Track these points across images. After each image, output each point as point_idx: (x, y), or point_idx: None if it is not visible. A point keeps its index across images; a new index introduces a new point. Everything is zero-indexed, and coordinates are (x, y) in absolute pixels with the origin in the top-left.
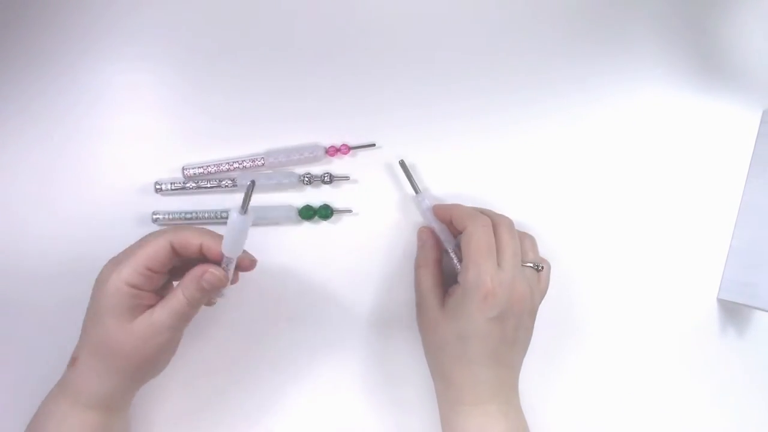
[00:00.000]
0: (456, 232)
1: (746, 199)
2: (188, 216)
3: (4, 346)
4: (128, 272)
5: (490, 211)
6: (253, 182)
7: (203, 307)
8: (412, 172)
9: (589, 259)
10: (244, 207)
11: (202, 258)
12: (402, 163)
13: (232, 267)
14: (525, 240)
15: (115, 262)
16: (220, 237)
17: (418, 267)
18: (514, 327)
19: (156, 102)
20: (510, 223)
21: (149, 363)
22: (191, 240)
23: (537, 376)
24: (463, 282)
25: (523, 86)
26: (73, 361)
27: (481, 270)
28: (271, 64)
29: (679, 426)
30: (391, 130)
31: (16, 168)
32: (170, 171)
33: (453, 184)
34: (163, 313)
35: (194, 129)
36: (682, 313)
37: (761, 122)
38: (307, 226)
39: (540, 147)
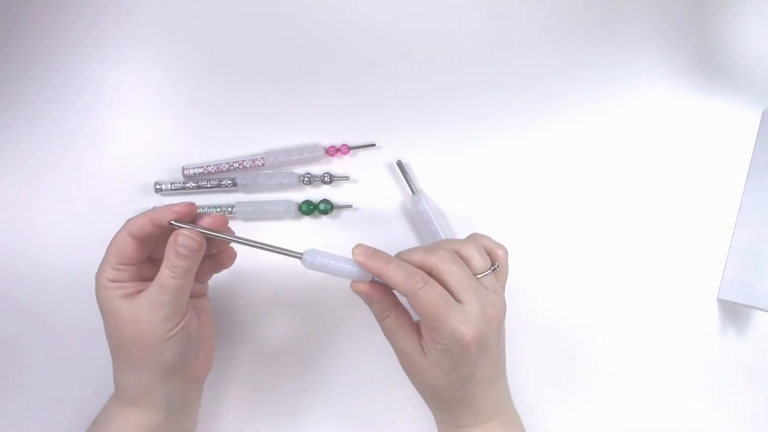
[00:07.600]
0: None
1: (746, 199)
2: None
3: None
4: (105, 270)
5: (420, 248)
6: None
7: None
8: (409, 173)
9: (589, 259)
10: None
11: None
12: (399, 164)
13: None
14: (465, 249)
15: (100, 265)
16: (166, 207)
17: (380, 321)
18: (497, 342)
19: (156, 102)
20: (443, 254)
21: (160, 349)
22: (141, 222)
23: (537, 376)
24: (441, 342)
25: (521, 87)
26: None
27: (451, 325)
28: (272, 64)
29: (679, 426)
30: (391, 130)
31: (17, 169)
32: (170, 171)
33: (453, 184)
34: (152, 289)
35: (194, 129)
36: (682, 313)
37: (761, 122)
38: (306, 221)
39: (539, 147)
